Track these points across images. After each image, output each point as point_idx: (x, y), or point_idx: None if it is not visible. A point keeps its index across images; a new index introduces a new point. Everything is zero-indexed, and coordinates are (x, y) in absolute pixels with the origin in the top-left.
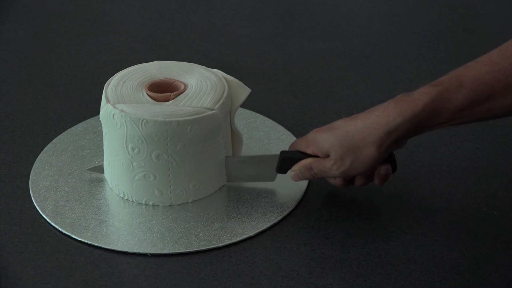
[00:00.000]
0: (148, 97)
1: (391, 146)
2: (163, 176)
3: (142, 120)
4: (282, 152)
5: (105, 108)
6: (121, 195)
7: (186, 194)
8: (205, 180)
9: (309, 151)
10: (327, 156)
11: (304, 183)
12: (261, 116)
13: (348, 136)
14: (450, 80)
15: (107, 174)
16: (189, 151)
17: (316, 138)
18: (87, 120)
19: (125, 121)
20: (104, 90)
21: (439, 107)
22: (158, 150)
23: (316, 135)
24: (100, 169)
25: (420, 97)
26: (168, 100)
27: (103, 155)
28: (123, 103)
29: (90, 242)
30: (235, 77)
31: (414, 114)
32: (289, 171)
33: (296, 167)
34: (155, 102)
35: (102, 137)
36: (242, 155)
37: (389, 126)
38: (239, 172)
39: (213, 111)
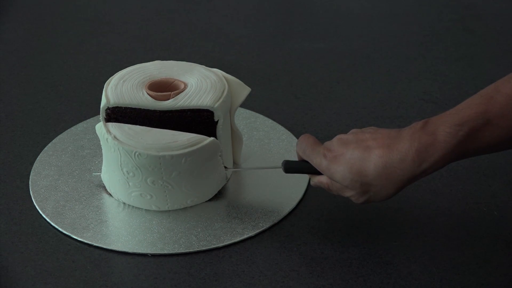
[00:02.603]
0: (148, 96)
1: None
2: (160, 196)
3: (135, 152)
4: (286, 164)
5: (98, 127)
6: (120, 201)
7: (184, 206)
8: (203, 194)
9: (319, 170)
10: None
11: (304, 183)
12: (261, 116)
13: (367, 177)
14: (475, 117)
15: (105, 180)
16: (185, 177)
17: (331, 170)
18: (87, 120)
19: (118, 149)
20: (104, 90)
21: (466, 148)
22: (152, 177)
23: (331, 167)
24: None
25: (446, 139)
26: (168, 99)
27: (103, 155)
28: (121, 104)
29: (90, 242)
30: (235, 77)
31: (440, 158)
32: (311, 182)
33: (316, 180)
34: (155, 101)
35: None
36: (245, 167)
37: (414, 172)
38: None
39: (209, 140)
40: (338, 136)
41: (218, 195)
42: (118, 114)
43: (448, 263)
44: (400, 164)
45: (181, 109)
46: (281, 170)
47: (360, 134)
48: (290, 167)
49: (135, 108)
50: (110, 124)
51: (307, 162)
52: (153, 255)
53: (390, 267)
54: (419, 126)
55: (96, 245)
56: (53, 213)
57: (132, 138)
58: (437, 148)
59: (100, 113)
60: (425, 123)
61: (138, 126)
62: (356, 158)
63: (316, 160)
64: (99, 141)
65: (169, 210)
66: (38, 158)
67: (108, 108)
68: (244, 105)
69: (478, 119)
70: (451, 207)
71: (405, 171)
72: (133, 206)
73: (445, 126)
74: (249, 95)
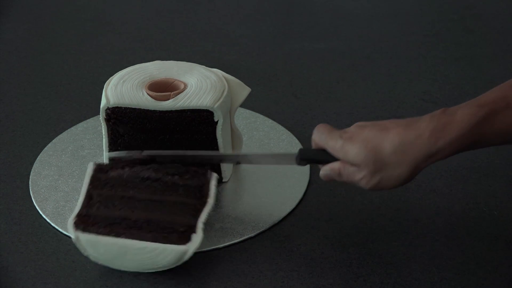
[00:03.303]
0: (148, 96)
1: (426, 167)
2: None
3: (116, 269)
4: (303, 152)
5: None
6: None
7: None
8: None
9: (333, 153)
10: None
11: (304, 183)
12: (261, 116)
13: (382, 153)
14: (496, 101)
15: None
16: None
17: (345, 148)
18: (87, 120)
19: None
20: (104, 90)
21: (485, 130)
22: None
23: (345, 145)
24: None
25: (464, 119)
26: (168, 99)
27: (103, 155)
28: (121, 105)
29: None
30: (235, 77)
31: (457, 137)
32: (320, 171)
33: (328, 168)
34: (155, 101)
35: (102, 137)
36: (257, 153)
37: (430, 149)
38: (253, 161)
39: (190, 254)
40: (356, 123)
41: (218, 196)
42: (118, 114)
43: (448, 263)
44: (416, 140)
45: (181, 109)
46: (282, 170)
47: (379, 121)
48: (305, 154)
49: (135, 108)
50: (82, 239)
51: (322, 151)
52: None
53: (390, 267)
54: (440, 111)
55: None
56: (53, 213)
57: (109, 262)
58: (455, 126)
59: (100, 113)
60: (446, 109)
61: (113, 247)
62: (373, 136)
63: (332, 142)
64: (99, 141)
65: None
66: (38, 158)
67: (108, 108)
68: (244, 105)
69: (498, 102)
70: (451, 207)
71: (421, 147)
72: None
73: (465, 108)
74: (249, 95)
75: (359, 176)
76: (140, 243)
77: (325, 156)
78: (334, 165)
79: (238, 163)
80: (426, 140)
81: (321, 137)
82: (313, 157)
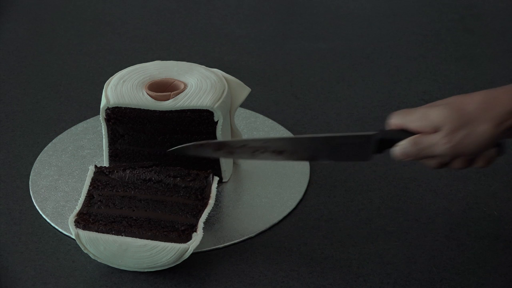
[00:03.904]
0: (148, 96)
1: (511, 129)
2: None
3: (117, 268)
4: (380, 132)
5: (75, 235)
6: None
7: None
8: None
9: (413, 125)
10: (435, 131)
11: (304, 183)
12: (261, 116)
13: (464, 109)
14: None
15: None
16: None
17: (427, 113)
18: (87, 120)
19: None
20: (104, 90)
21: None
22: None
23: (426, 110)
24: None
25: None
26: (168, 99)
27: (103, 155)
28: (121, 105)
29: None
30: (235, 77)
31: None
32: (395, 147)
33: (403, 141)
34: (155, 101)
35: (102, 137)
36: (326, 134)
37: None
38: (322, 153)
39: (189, 253)
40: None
41: (218, 195)
42: (118, 114)
43: (448, 263)
44: (501, 95)
45: (181, 110)
46: (282, 170)
47: None
48: (384, 134)
49: (135, 108)
50: (82, 236)
51: (401, 130)
52: None
53: (390, 267)
54: None
55: None
56: (53, 213)
57: (109, 260)
58: None
59: (100, 113)
60: None
61: (113, 245)
62: (455, 99)
63: (410, 116)
64: (99, 141)
65: None
66: (38, 158)
67: (108, 108)
68: (244, 105)
69: None
70: (451, 207)
71: (506, 102)
72: None
73: None
74: (249, 95)
75: (440, 136)
76: (141, 241)
77: (403, 136)
78: (411, 137)
79: (313, 159)
80: (511, 95)
81: (398, 116)
82: (392, 136)
